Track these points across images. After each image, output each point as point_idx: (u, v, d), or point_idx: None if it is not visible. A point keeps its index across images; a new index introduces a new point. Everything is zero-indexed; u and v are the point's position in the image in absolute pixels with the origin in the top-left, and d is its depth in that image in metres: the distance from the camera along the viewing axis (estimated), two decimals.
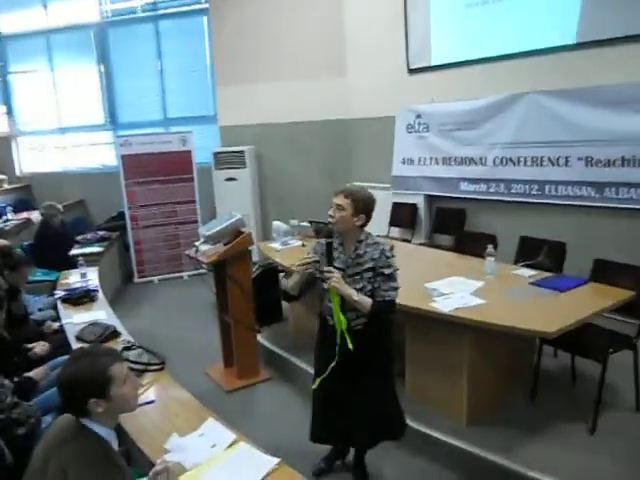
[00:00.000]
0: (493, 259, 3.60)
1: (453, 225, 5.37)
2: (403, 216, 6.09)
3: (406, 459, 3.11)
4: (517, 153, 5.08)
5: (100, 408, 1.67)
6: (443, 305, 3.04)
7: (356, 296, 2.49)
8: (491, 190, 5.34)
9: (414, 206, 6.01)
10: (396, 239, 5.77)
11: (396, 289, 2.58)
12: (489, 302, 3.08)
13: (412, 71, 6.00)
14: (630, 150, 4.29)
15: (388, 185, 6.29)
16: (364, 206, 2.53)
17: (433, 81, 5.82)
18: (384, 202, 6.15)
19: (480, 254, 3.82)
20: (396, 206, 6.17)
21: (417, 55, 5.93)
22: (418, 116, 5.93)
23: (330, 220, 2.58)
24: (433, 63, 5.79)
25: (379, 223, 6.01)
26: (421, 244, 5.65)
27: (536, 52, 4.85)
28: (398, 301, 2.98)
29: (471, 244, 4.29)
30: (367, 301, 2.52)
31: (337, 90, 6.75)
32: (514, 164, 5.12)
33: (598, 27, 4.39)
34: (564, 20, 4.62)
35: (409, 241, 5.77)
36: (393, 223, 6.15)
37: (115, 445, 1.75)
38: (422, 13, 5.80)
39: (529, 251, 3.96)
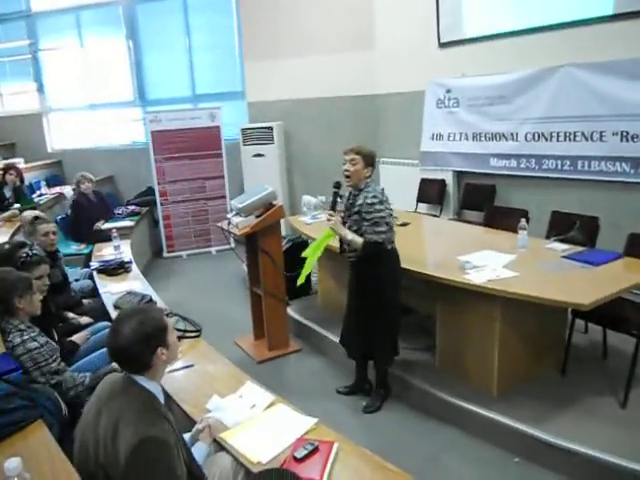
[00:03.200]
0: (526, 232, 3.58)
1: (483, 201, 5.31)
2: (431, 192, 6.05)
3: (437, 429, 3.17)
4: (549, 128, 4.99)
5: (164, 356, 1.80)
6: (476, 277, 3.05)
7: (350, 236, 3.08)
8: (522, 166, 5.26)
9: (442, 182, 5.97)
10: (424, 214, 5.77)
11: (379, 233, 3.01)
12: (522, 274, 3.08)
13: (443, 45, 5.90)
14: None
15: (416, 161, 6.25)
16: (371, 159, 3.11)
17: (464, 55, 5.72)
18: (412, 178, 6.17)
19: (511, 229, 3.82)
20: (424, 182, 6.12)
21: (448, 28, 5.82)
22: (448, 91, 5.86)
23: (346, 174, 3.11)
24: (464, 36, 5.69)
25: (407, 199, 6.02)
26: (449, 220, 5.63)
27: (571, 24, 4.71)
28: (431, 273, 3.12)
29: (502, 219, 4.27)
30: (358, 240, 3.06)
31: (365, 64, 6.67)
32: (546, 139, 5.04)
33: None
34: None
35: (437, 217, 5.75)
36: (421, 199, 6.11)
37: (162, 399, 1.82)
38: None
39: (561, 226, 3.93)
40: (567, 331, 3.40)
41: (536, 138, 5.12)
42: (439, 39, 5.91)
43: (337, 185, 3.21)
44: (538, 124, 5.09)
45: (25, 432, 1.87)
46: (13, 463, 1.43)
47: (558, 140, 4.95)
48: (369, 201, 3.01)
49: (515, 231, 3.67)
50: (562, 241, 3.69)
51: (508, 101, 5.29)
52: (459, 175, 5.94)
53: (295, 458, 1.88)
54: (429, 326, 3.69)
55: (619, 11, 4.40)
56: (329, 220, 3.12)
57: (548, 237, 3.93)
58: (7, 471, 1.41)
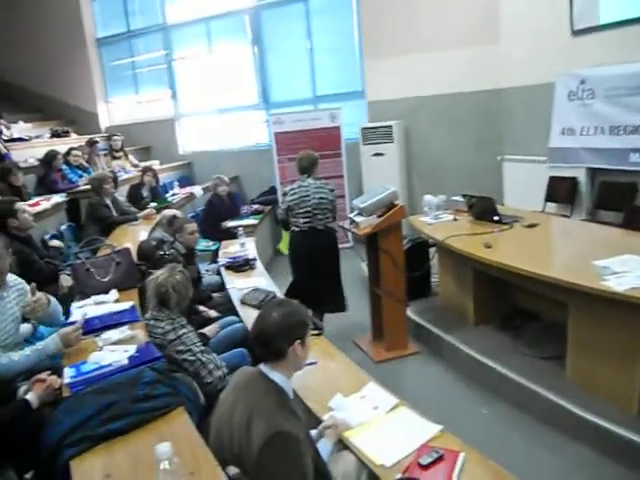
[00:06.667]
0: None
1: (621, 200, 4.90)
2: (561, 191, 5.69)
3: (566, 446, 2.98)
4: None
5: (299, 351, 1.86)
6: (617, 284, 2.79)
7: None
8: None
9: (574, 180, 5.58)
10: (553, 215, 5.44)
11: None
12: None
13: (576, 32, 5.51)
14: None
15: (544, 158, 5.90)
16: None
17: (600, 42, 5.28)
18: (539, 176, 5.84)
19: None
20: (553, 180, 5.77)
21: (582, 14, 5.41)
22: (582, 82, 5.45)
23: None
24: (601, 22, 5.27)
25: (534, 198, 5.71)
26: (582, 220, 5.25)
27: None
28: (563, 278, 2.99)
29: None
30: None
31: (489, 58, 6.40)
32: None
33: None
34: None
35: (568, 217, 5.39)
36: (549, 199, 5.78)
37: (291, 395, 1.90)
38: None
39: None
40: None
41: None
42: (572, 27, 5.52)
43: None
44: None
45: (167, 418, 2.01)
46: (164, 448, 1.52)
47: None
48: None
49: None
50: None
51: None
52: (593, 172, 5.52)
53: (420, 465, 1.86)
54: (556, 333, 3.47)
55: None
56: None
57: None
58: (159, 455, 1.52)
